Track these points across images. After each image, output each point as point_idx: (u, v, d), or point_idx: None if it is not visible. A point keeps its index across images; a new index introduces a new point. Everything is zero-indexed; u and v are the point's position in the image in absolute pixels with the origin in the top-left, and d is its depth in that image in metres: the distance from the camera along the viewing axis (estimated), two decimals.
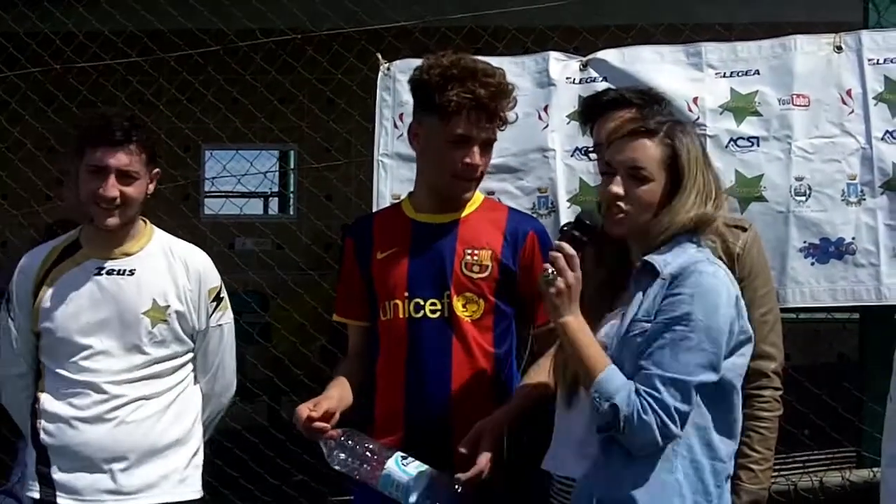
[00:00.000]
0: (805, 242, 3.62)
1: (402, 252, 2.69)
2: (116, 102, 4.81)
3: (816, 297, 3.63)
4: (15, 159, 5.18)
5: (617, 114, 2.79)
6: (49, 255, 2.91)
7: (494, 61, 3.73)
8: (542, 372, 2.61)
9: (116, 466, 2.79)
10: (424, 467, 2.47)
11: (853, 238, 3.61)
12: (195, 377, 2.97)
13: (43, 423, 2.84)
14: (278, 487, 4.50)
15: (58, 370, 2.83)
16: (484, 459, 2.45)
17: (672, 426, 2.17)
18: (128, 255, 2.88)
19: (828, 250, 3.62)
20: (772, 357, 2.68)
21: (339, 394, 2.66)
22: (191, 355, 2.94)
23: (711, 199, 2.30)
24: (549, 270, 2.23)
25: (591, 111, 2.89)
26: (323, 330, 3.77)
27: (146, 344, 2.83)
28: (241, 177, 5.27)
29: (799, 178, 3.63)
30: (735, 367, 2.26)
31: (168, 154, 3.77)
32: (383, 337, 2.70)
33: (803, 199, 3.63)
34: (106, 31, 4.82)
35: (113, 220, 2.80)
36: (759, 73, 3.68)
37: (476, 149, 2.62)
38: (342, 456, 2.50)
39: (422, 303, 2.65)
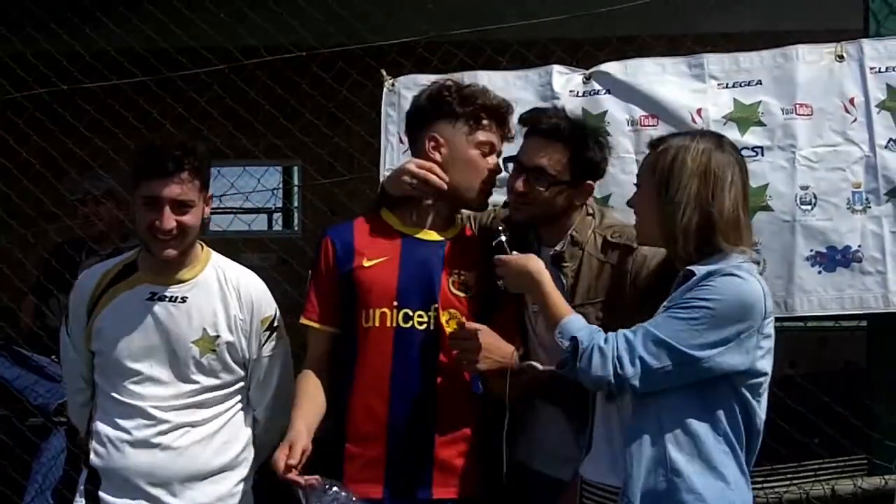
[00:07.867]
0: (811, 251, 3.62)
1: (391, 262, 2.75)
2: (124, 122, 4.84)
3: (824, 306, 3.63)
4: (24, 179, 5.20)
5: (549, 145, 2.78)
6: (105, 275, 2.89)
7: (498, 75, 3.81)
8: None
9: (161, 491, 2.78)
10: None
11: (859, 246, 3.61)
12: (246, 404, 2.93)
13: (94, 444, 2.83)
14: None
15: (110, 392, 2.83)
16: None
17: (629, 368, 2.16)
18: (182, 282, 2.85)
19: (834, 258, 3.62)
20: None
21: (307, 425, 2.68)
22: (241, 384, 2.91)
23: (707, 205, 2.29)
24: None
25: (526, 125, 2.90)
26: None
27: (194, 372, 2.81)
28: (249, 193, 5.30)
29: (804, 187, 3.64)
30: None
31: None
32: (363, 345, 2.73)
33: (809, 207, 3.63)
34: (112, 50, 4.85)
35: (171, 252, 2.77)
36: (761, 84, 3.69)
37: (495, 157, 2.82)
38: None
39: (410, 313, 2.71)
